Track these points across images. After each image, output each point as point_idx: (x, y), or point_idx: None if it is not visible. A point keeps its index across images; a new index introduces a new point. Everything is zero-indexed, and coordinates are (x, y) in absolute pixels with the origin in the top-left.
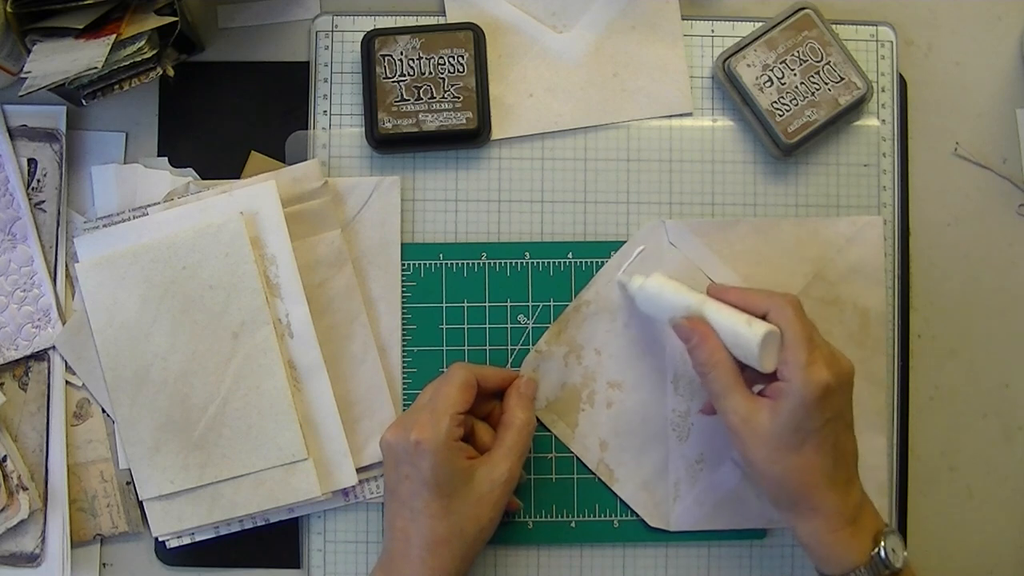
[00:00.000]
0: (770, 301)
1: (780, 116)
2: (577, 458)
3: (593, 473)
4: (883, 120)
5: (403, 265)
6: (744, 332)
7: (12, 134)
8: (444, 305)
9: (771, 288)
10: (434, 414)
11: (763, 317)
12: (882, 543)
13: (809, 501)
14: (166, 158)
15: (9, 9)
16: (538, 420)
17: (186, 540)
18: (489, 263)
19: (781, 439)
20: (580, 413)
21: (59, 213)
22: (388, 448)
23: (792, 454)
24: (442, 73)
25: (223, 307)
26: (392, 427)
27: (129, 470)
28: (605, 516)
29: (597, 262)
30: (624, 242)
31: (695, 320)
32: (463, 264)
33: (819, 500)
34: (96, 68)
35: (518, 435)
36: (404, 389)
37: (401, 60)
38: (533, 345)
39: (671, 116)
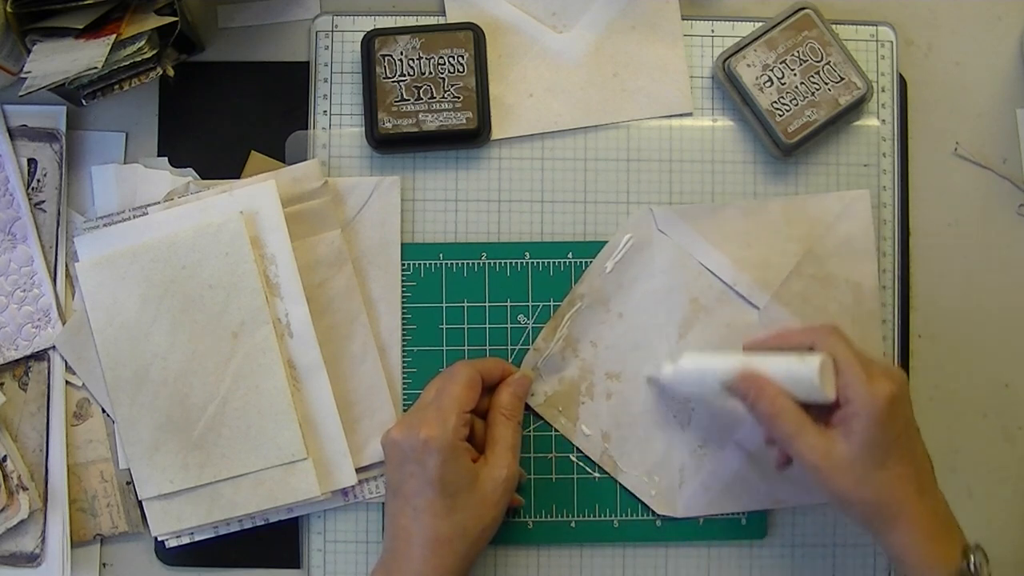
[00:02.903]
0: (812, 334)
1: (780, 116)
2: (578, 454)
3: (594, 465)
4: (883, 120)
5: (403, 265)
6: (799, 368)
7: (12, 134)
8: (444, 305)
9: (763, 268)
10: (441, 412)
11: (808, 351)
12: (972, 556)
13: (904, 513)
14: (166, 158)
15: (9, 9)
16: (539, 416)
17: (186, 540)
18: (489, 263)
19: (863, 460)
20: (580, 406)
21: (59, 213)
22: (394, 446)
23: (877, 471)
24: (442, 73)
25: (223, 307)
26: (398, 425)
27: (129, 470)
28: (605, 516)
29: None
30: None
31: (747, 374)
32: (463, 264)
33: (912, 509)
34: (96, 68)
35: (514, 433)
36: (404, 389)
37: (401, 60)
38: (532, 345)
39: (671, 116)
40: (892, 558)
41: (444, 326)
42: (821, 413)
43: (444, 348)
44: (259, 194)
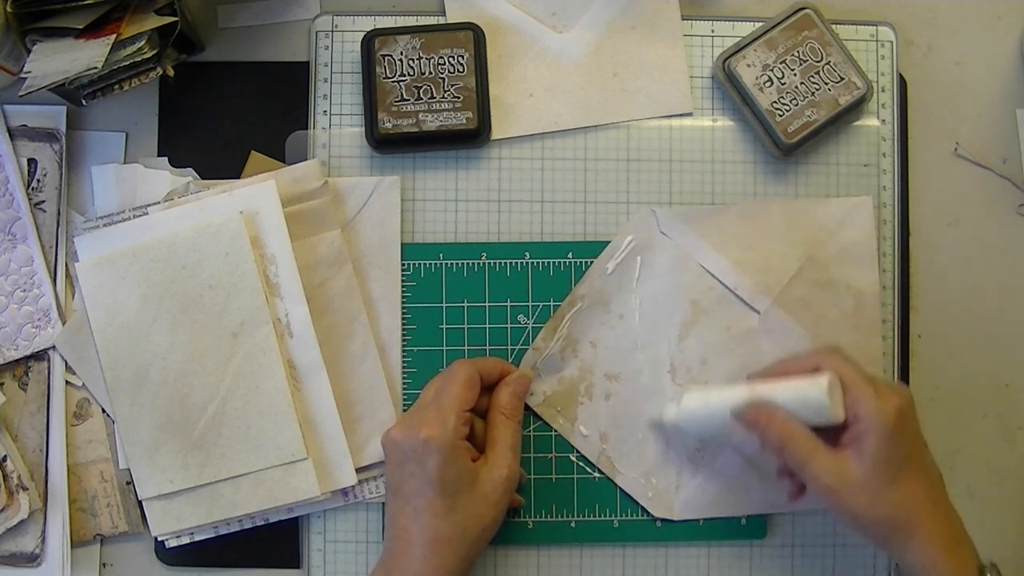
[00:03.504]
0: (815, 357)
1: (780, 116)
2: (578, 454)
3: (594, 466)
4: (883, 120)
5: (403, 265)
6: (807, 391)
7: (12, 134)
8: (444, 305)
9: (764, 272)
10: (441, 412)
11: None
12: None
13: (921, 528)
14: (166, 158)
15: (9, 9)
16: (537, 415)
17: (185, 540)
18: (489, 263)
19: (877, 478)
20: (579, 407)
21: (59, 213)
22: (394, 446)
23: (891, 489)
24: (442, 73)
25: (223, 307)
26: (398, 425)
27: (129, 470)
28: (605, 516)
29: None
30: None
31: (755, 403)
32: (463, 264)
33: (928, 524)
34: (96, 68)
35: (514, 433)
36: (404, 389)
37: (401, 60)
38: (532, 344)
39: (671, 116)
40: (909, 574)
41: (444, 326)
42: (829, 437)
43: (444, 348)
44: (259, 194)
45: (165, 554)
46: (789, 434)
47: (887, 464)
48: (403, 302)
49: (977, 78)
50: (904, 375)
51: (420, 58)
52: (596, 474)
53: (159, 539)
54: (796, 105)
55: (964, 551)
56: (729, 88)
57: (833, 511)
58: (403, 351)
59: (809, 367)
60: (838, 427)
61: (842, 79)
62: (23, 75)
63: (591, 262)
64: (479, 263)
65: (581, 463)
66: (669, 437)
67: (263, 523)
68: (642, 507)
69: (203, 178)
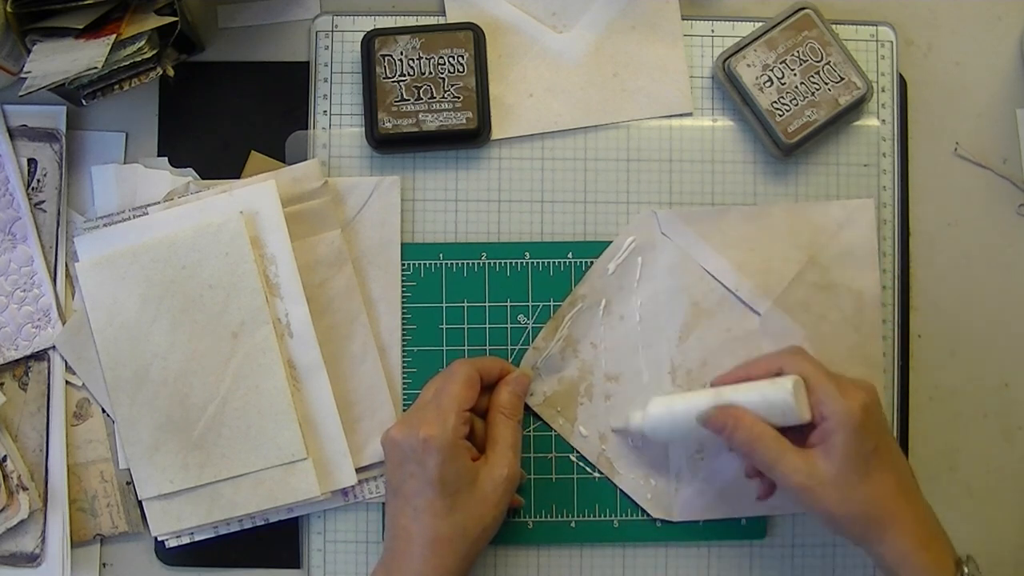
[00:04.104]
0: (778, 359)
1: (780, 116)
2: (578, 454)
3: (594, 466)
4: (883, 120)
5: (403, 265)
6: (772, 393)
7: (12, 134)
8: (444, 305)
9: (765, 274)
10: (441, 411)
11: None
12: (965, 568)
13: (894, 522)
14: (166, 158)
15: (9, 9)
16: (537, 415)
17: (185, 540)
18: (489, 263)
19: (846, 475)
20: (579, 407)
21: (59, 213)
22: (394, 445)
23: (862, 484)
24: (442, 73)
25: (223, 307)
26: (398, 425)
27: (129, 470)
28: (605, 516)
29: None
30: None
31: (722, 407)
32: (463, 264)
33: (902, 517)
34: (96, 68)
35: (515, 432)
36: (404, 389)
37: (401, 60)
38: (532, 344)
39: (671, 116)
40: (886, 570)
41: (444, 326)
42: (797, 438)
43: (444, 348)
44: (259, 194)
45: (165, 554)
46: (757, 436)
47: (856, 459)
48: (403, 302)
49: (977, 78)
50: (904, 375)
51: (420, 58)
52: (596, 474)
53: (159, 539)
54: (796, 105)
55: (939, 544)
56: (729, 88)
57: (806, 510)
58: (403, 351)
59: (772, 369)
60: (804, 427)
61: (842, 79)
62: (23, 75)
63: (591, 262)
64: (479, 263)
65: (581, 463)
66: (633, 442)
67: (263, 523)
68: (642, 507)
69: (203, 178)
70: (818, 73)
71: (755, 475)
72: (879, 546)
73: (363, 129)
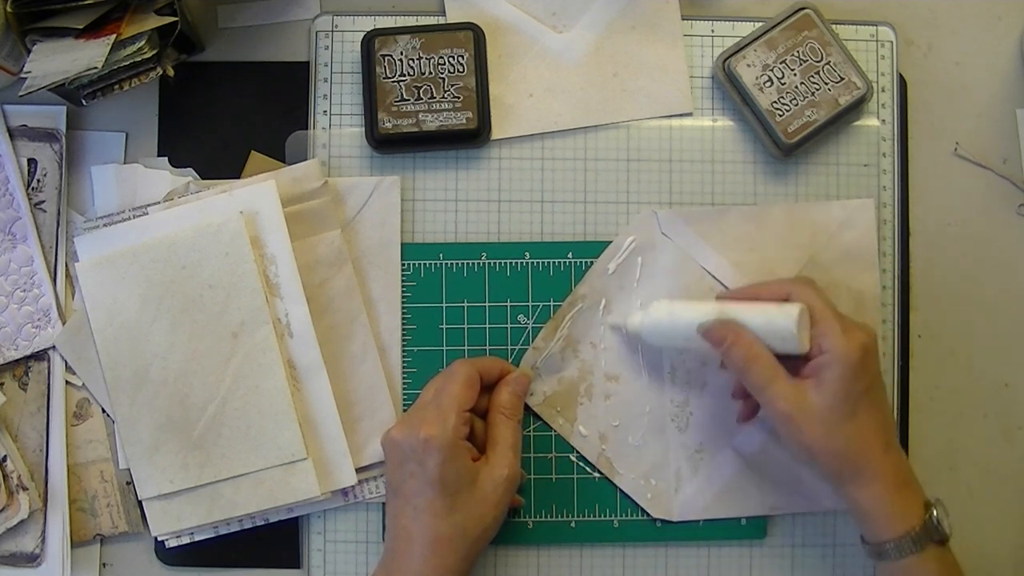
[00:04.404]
0: (788, 285)
1: (780, 116)
2: (577, 454)
3: (594, 466)
4: (883, 120)
5: (403, 265)
6: (777, 316)
7: (12, 134)
8: (444, 305)
9: (765, 274)
10: (441, 411)
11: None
12: (934, 510)
13: (870, 466)
14: (166, 158)
15: (9, 9)
16: (537, 415)
17: (185, 540)
18: (489, 263)
19: (834, 411)
20: (579, 407)
21: (59, 213)
22: (394, 445)
23: (847, 423)
24: (442, 73)
25: (223, 307)
26: (398, 425)
27: (129, 470)
28: (605, 516)
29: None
30: None
31: (724, 320)
32: (463, 264)
33: (879, 462)
34: (96, 68)
35: (515, 432)
36: (404, 389)
37: (401, 60)
38: (532, 344)
39: (671, 116)
40: (855, 511)
41: (444, 326)
42: (791, 368)
43: (444, 348)
44: (259, 194)
45: (165, 554)
46: (754, 356)
47: (846, 398)
48: (403, 302)
49: (977, 78)
50: (904, 375)
51: (420, 58)
52: (596, 474)
53: (159, 539)
54: (796, 105)
55: (910, 491)
56: (729, 88)
57: (785, 439)
58: (403, 351)
59: (781, 294)
60: (800, 358)
61: (842, 79)
62: (23, 75)
63: (591, 262)
64: (479, 263)
65: (581, 463)
66: (625, 342)
67: (263, 523)
68: (642, 507)
69: (203, 178)
70: (818, 73)
71: (741, 396)
72: (850, 485)
73: (363, 129)
